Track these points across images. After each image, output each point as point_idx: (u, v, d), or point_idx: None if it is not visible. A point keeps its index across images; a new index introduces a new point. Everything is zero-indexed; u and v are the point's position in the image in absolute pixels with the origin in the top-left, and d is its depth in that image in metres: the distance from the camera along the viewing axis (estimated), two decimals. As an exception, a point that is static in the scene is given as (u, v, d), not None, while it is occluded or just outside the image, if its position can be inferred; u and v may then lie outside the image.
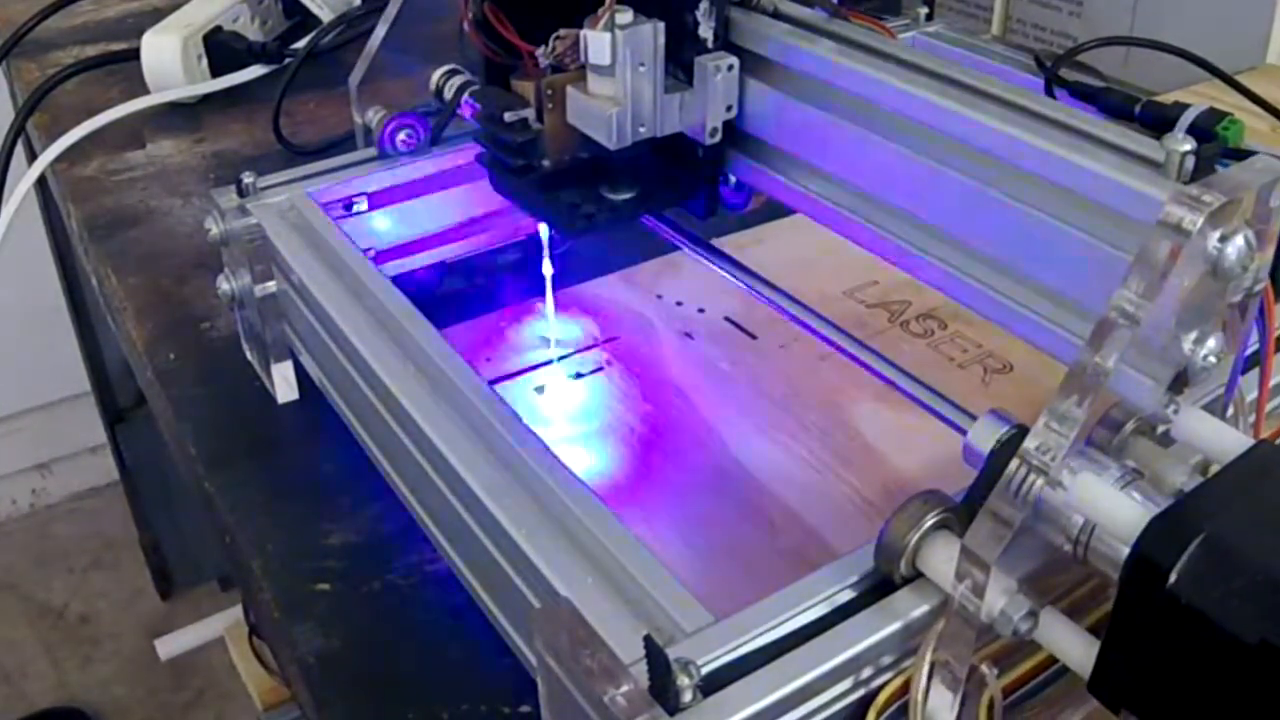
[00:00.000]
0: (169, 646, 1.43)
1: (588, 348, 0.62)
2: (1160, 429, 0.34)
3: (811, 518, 0.51)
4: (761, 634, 0.32)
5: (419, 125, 0.59)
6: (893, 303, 0.64)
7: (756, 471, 0.53)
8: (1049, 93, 0.57)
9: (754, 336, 0.62)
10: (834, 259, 0.65)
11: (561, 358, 0.61)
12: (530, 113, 0.52)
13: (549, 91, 0.51)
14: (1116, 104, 0.56)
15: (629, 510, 0.51)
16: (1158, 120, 0.54)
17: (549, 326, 0.63)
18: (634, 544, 0.36)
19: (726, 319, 0.63)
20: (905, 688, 0.32)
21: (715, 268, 0.56)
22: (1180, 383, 0.33)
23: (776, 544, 0.49)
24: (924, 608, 0.33)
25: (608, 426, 0.56)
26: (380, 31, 0.60)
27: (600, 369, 0.60)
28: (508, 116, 0.51)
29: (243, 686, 1.23)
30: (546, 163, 0.52)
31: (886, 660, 0.33)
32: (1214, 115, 0.52)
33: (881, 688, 0.33)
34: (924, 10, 0.64)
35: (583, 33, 0.48)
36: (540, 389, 0.59)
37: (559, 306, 0.64)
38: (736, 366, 0.60)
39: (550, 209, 0.53)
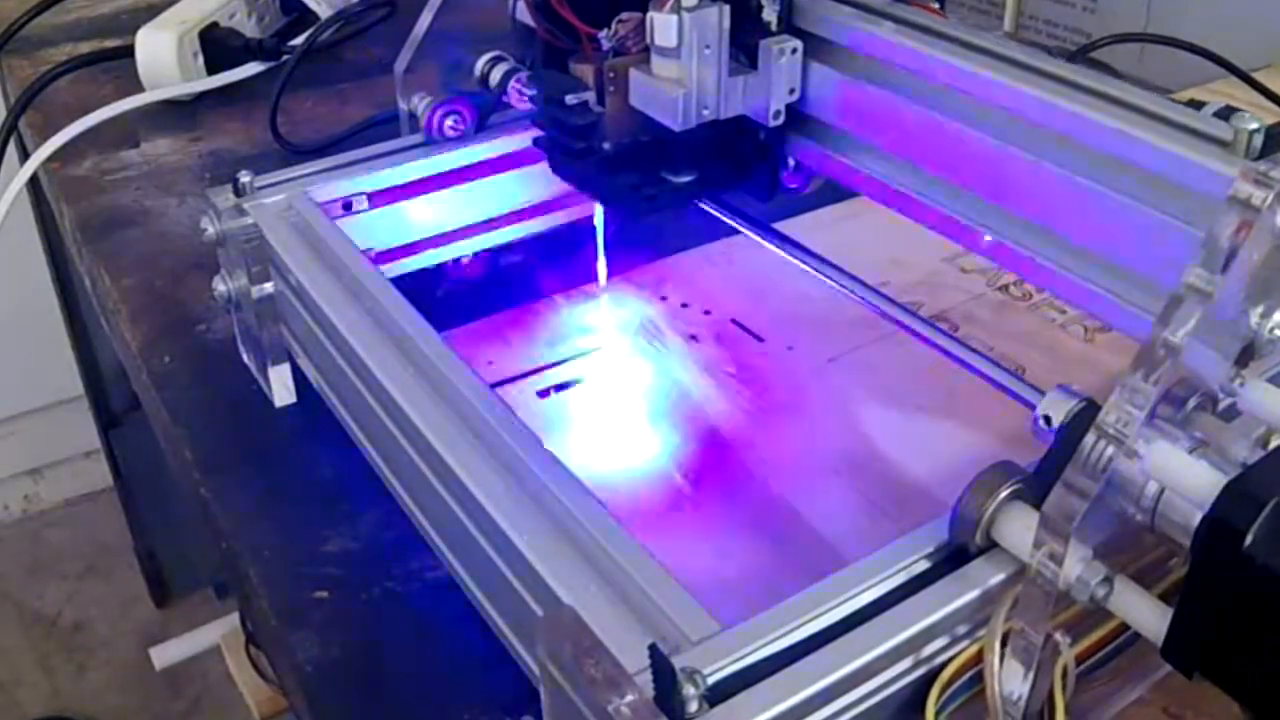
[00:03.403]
0: (164, 655, 1.42)
1: (592, 350, 0.61)
2: (1223, 403, 0.35)
3: (819, 523, 0.50)
4: (770, 642, 0.32)
5: (466, 111, 0.59)
6: (904, 304, 0.63)
7: (763, 476, 0.53)
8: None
9: (761, 339, 0.61)
10: (841, 260, 0.64)
11: (565, 360, 0.60)
12: (591, 95, 0.52)
13: (611, 74, 0.51)
14: (1131, 102, 0.55)
15: (633, 516, 0.50)
16: (1173, 118, 0.53)
17: (552, 329, 0.62)
18: (639, 550, 0.36)
19: (733, 321, 0.63)
20: (975, 659, 0.33)
21: (779, 251, 0.56)
22: (1246, 356, 0.34)
23: (783, 550, 0.49)
24: (999, 576, 0.34)
25: (611, 431, 0.56)
26: (426, 19, 0.61)
27: (604, 372, 0.59)
28: (569, 99, 0.52)
29: (239, 696, 1.22)
30: (607, 145, 0.53)
31: (935, 645, 0.33)
32: (1230, 113, 0.51)
33: (943, 666, 0.33)
34: (934, 5, 0.63)
35: (649, 15, 0.49)
36: (543, 392, 0.58)
37: (562, 308, 0.64)
38: (743, 369, 0.59)
39: (611, 191, 0.54)
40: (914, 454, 0.53)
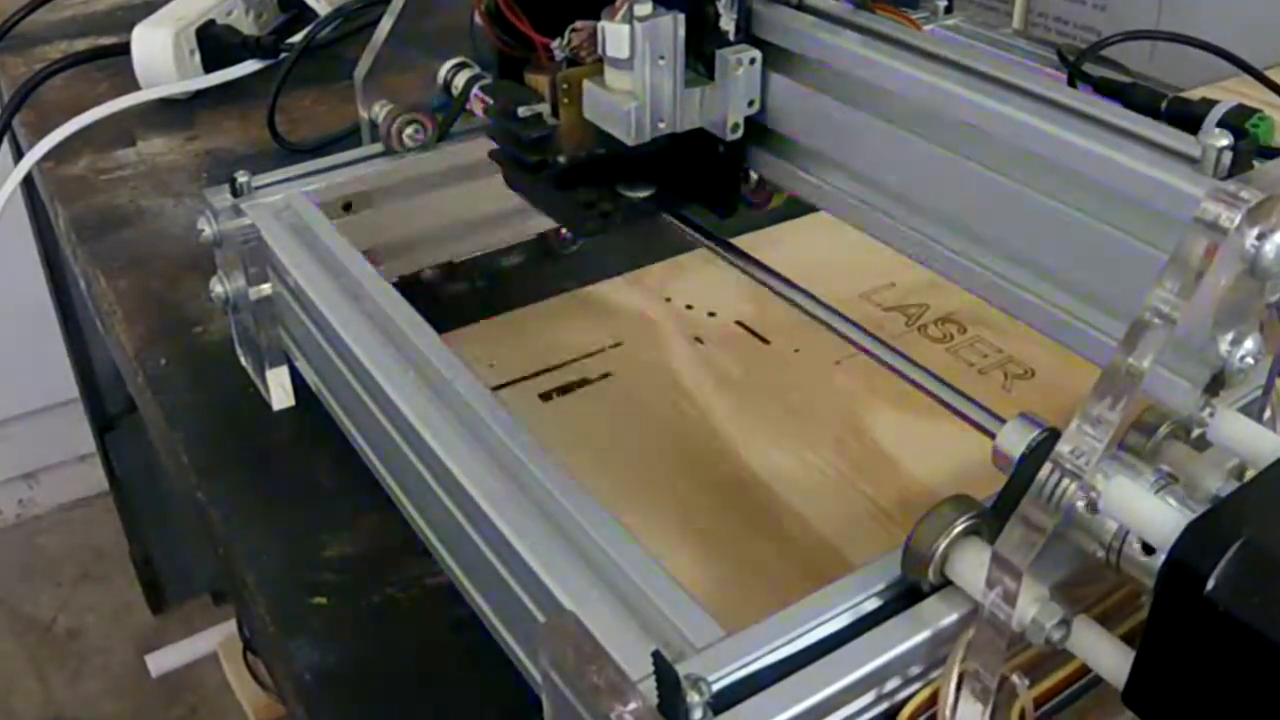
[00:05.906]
0: (160, 662, 1.42)
1: (594, 353, 0.60)
2: (1195, 432, 0.34)
3: (826, 528, 0.50)
4: (775, 649, 0.31)
5: (426, 120, 0.58)
6: (910, 306, 0.63)
7: (769, 480, 0.52)
8: (1072, 88, 0.56)
9: (766, 341, 0.61)
10: (849, 261, 0.64)
11: (567, 363, 0.60)
12: (545, 107, 0.51)
13: (565, 85, 0.50)
14: (1142, 100, 0.55)
15: (637, 521, 0.49)
16: (1184, 117, 0.53)
17: (554, 331, 0.62)
18: (642, 556, 0.36)
19: (738, 323, 0.62)
20: (932, 700, 0.32)
21: (739, 267, 0.55)
22: (1216, 384, 0.33)
23: (790, 555, 0.48)
24: (953, 616, 0.32)
25: (615, 434, 0.55)
26: (386, 24, 0.60)
27: (608, 374, 0.59)
28: (522, 111, 0.51)
29: (237, 704, 1.22)
30: (562, 159, 0.52)
31: (912, 672, 0.32)
32: (1243, 112, 0.51)
33: (906, 701, 0.32)
34: (943, 3, 0.63)
35: (600, 24, 0.47)
36: (545, 395, 0.58)
37: (565, 310, 0.63)
38: (748, 372, 0.59)
39: (565, 207, 0.53)
40: (922, 457, 0.53)
